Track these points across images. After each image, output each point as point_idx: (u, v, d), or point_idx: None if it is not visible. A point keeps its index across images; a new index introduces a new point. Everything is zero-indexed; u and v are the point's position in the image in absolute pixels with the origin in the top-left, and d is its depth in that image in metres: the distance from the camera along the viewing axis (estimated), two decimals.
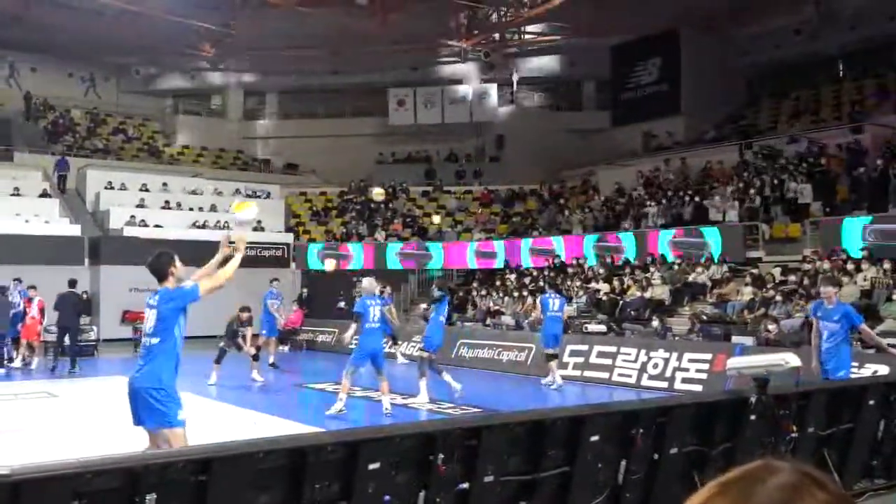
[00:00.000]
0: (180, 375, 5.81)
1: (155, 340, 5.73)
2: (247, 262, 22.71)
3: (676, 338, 15.46)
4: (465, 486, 4.50)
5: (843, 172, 19.46)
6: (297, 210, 30.24)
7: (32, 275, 19.01)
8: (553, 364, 14.46)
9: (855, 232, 16.58)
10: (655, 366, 14.28)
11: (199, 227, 25.87)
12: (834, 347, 8.85)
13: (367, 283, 11.56)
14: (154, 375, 5.63)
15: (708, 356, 13.48)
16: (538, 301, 14.98)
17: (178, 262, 5.95)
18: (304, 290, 25.29)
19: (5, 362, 16.80)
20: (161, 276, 5.89)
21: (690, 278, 18.30)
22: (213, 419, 10.78)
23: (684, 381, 13.58)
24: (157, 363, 5.66)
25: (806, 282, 15.49)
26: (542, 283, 20.33)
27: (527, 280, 21.81)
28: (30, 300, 17.26)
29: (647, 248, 20.44)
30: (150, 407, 5.58)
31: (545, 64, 31.99)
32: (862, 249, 15.84)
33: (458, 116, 32.47)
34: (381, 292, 19.70)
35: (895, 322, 13.23)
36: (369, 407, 12.89)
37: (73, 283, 17.30)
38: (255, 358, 15.37)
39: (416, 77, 32.93)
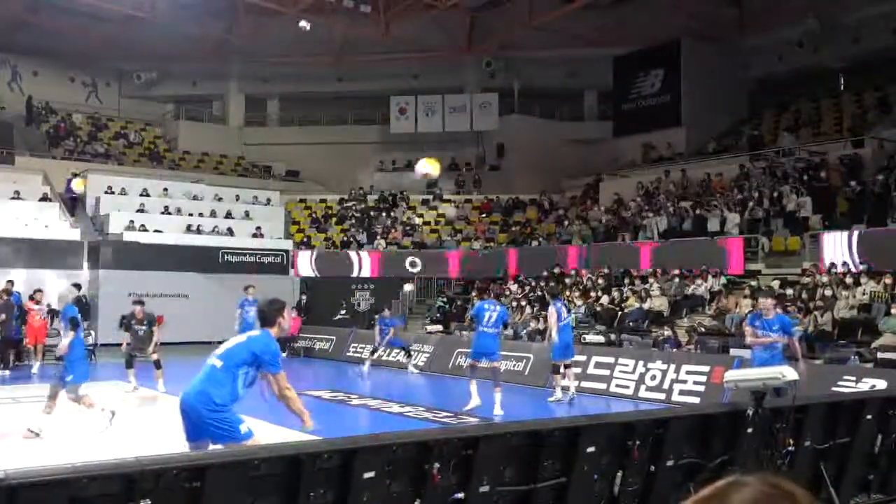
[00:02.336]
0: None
1: (219, 363, 5.66)
2: (246, 268, 22.78)
3: (674, 350, 15.45)
4: (461, 496, 4.49)
5: (843, 186, 19.48)
6: (297, 217, 30.26)
7: (31, 279, 19.04)
8: (558, 376, 13.79)
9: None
10: (653, 377, 14.25)
11: (198, 232, 25.90)
12: (771, 358, 9.00)
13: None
14: (205, 399, 5.55)
15: (706, 368, 13.46)
16: (552, 309, 13.81)
17: (286, 314, 5.96)
18: (304, 297, 25.28)
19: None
20: (269, 323, 5.87)
21: (689, 290, 18.30)
22: None
23: (682, 392, 13.56)
24: (210, 386, 5.59)
25: (804, 295, 15.50)
26: (539, 293, 20.30)
27: (526, 289, 21.80)
28: (37, 303, 17.38)
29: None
30: (208, 427, 5.53)
31: (547, 73, 32.07)
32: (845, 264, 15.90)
33: (459, 125, 32.53)
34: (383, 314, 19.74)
35: (893, 337, 13.22)
36: (367, 415, 12.88)
37: (79, 287, 17.34)
38: (158, 365, 14.10)
39: (417, 85, 33.01)
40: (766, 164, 22.52)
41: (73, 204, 26.26)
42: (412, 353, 19.23)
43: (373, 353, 19.18)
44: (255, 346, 5.69)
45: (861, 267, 15.77)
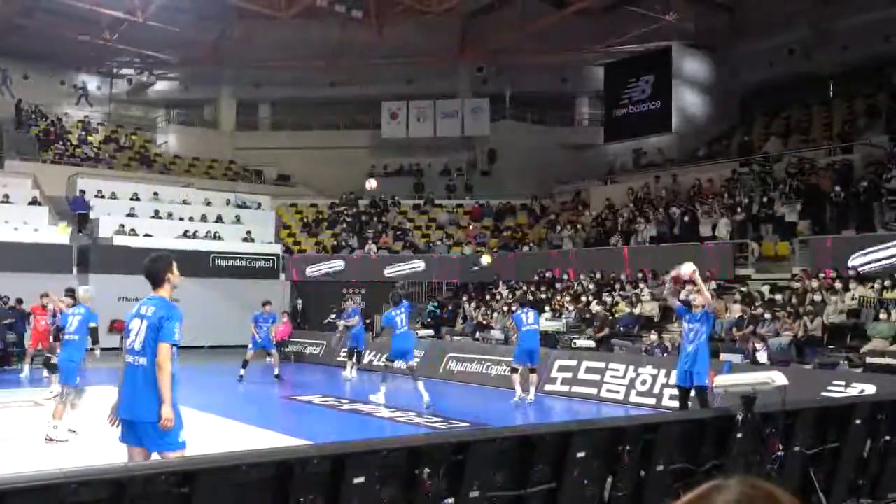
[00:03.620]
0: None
1: (143, 360, 5.30)
2: (236, 273, 22.89)
3: (665, 354, 15.48)
4: (451, 501, 4.49)
5: (832, 192, 19.56)
6: (288, 221, 30.22)
7: (20, 283, 18.98)
8: (515, 375, 14.46)
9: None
10: (644, 382, 14.28)
11: (188, 237, 25.83)
12: (695, 351, 9.54)
13: (83, 292, 10.61)
14: (147, 405, 5.22)
15: None
16: (511, 318, 14.90)
17: (175, 268, 5.55)
18: (300, 302, 25.27)
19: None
20: (157, 281, 5.46)
21: (680, 296, 18.32)
22: (197, 430, 10.71)
23: (672, 397, 13.56)
24: (147, 388, 5.25)
25: (794, 300, 15.56)
26: (531, 298, 20.30)
27: (517, 294, 21.80)
28: (44, 308, 17.44)
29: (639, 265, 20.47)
30: (148, 433, 5.26)
31: (539, 79, 32.12)
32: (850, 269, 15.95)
33: (450, 130, 32.55)
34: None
35: (882, 342, 13.29)
36: (357, 420, 12.86)
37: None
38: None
39: (409, 90, 33.02)
40: (756, 169, 22.60)
41: (82, 217, 25.97)
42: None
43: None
44: (157, 316, 5.31)
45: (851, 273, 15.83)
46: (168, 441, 5.27)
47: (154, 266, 5.50)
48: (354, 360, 19.10)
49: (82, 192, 26.69)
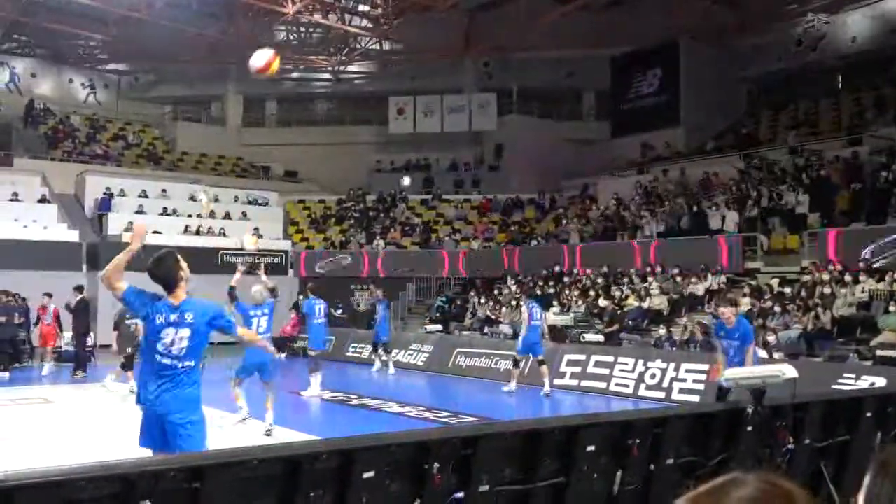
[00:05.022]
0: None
1: (189, 363, 5.07)
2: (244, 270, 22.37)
3: (674, 348, 15.45)
4: (460, 495, 4.48)
5: (842, 184, 19.46)
6: (296, 217, 30.25)
7: (30, 280, 19.05)
8: (516, 370, 14.90)
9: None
10: (653, 376, 14.25)
11: (197, 233, 25.89)
12: (740, 363, 9.31)
13: (258, 293, 10.83)
14: (188, 403, 5.06)
15: (705, 367, 13.43)
16: (524, 308, 14.96)
17: (181, 262, 5.13)
18: (301, 298, 25.27)
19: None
20: (171, 283, 5.03)
21: (688, 289, 18.29)
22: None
23: (681, 391, 13.55)
24: (189, 388, 5.09)
25: (804, 293, 15.49)
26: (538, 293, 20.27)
27: (524, 288, 21.77)
28: (44, 307, 17.56)
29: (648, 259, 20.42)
30: (182, 437, 5.00)
31: (545, 74, 32.05)
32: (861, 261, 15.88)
33: (458, 125, 32.51)
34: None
35: (892, 334, 13.22)
36: (367, 416, 12.87)
37: (81, 289, 17.44)
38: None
39: (416, 86, 33.00)
40: (764, 162, 22.51)
41: (101, 221, 25.94)
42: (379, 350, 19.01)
43: None
44: (201, 319, 5.04)
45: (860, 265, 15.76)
46: (197, 443, 5.06)
47: (162, 269, 5.06)
48: (380, 353, 19.04)
49: (109, 192, 26.75)
